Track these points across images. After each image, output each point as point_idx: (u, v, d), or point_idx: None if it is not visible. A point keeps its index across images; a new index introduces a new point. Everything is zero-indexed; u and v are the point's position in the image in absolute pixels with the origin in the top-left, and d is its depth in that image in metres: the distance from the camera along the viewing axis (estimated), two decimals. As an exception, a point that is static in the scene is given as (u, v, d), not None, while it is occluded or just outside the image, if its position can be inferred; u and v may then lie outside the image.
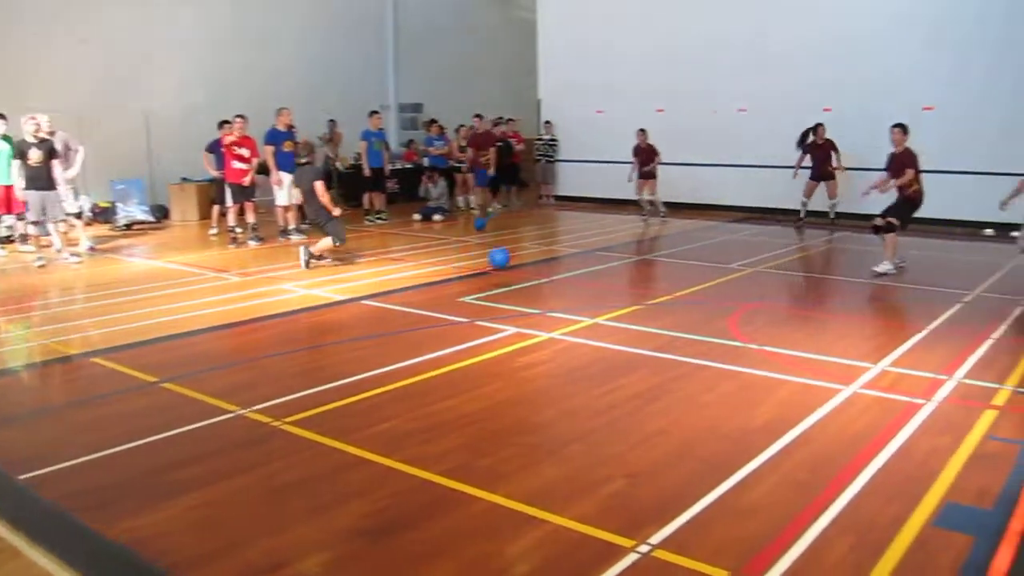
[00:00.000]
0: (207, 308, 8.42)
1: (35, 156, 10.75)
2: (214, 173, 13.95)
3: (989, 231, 14.05)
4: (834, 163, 14.93)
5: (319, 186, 10.72)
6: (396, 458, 4.64)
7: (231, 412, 5.38)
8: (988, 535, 3.79)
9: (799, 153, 15.01)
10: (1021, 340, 7.16)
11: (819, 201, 15.40)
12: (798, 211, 15.44)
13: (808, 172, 15.10)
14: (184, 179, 16.23)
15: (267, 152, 13.18)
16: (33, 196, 10.92)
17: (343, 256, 11.36)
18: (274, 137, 13.23)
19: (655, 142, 16.05)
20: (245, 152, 12.91)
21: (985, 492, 4.24)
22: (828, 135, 14.90)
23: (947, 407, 5.51)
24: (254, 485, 4.38)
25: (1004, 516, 3.98)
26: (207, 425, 5.18)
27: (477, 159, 17.10)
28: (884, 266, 10.26)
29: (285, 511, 4.11)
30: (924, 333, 7.40)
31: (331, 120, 18.35)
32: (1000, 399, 5.68)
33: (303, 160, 11.14)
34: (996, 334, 7.36)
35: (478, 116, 17.41)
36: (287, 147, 13.23)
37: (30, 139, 10.89)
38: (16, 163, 11.01)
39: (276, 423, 5.18)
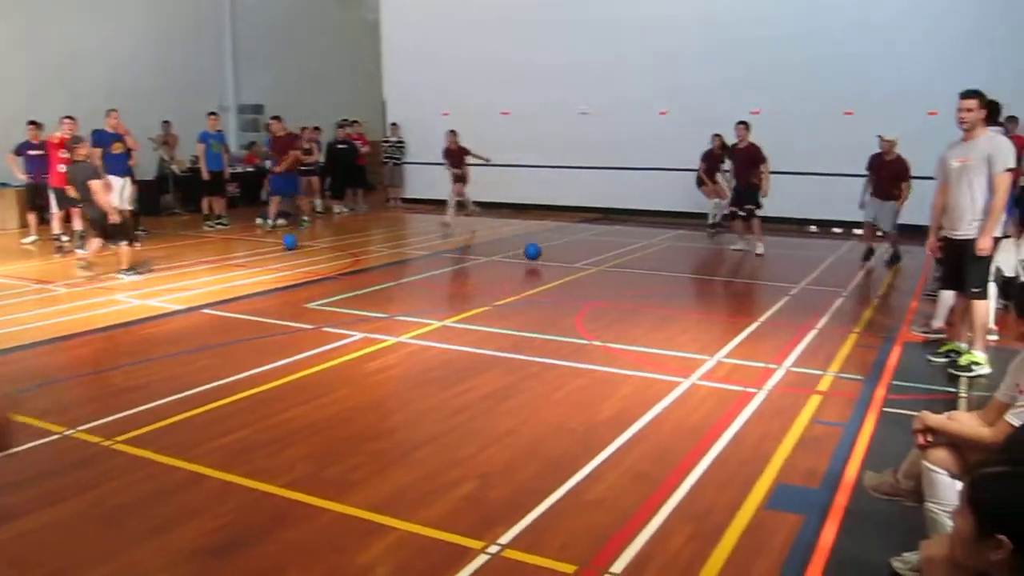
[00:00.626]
0: (30, 322, 7.86)
1: None
2: (22, 177, 13.17)
3: (812, 228, 15.04)
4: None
5: (95, 185, 10.09)
6: (239, 472, 4.48)
7: (56, 433, 5.04)
8: (816, 512, 4.03)
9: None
10: (842, 329, 7.66)
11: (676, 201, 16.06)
12: (646, 211, 16.04)
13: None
14: (2, 184, 15.11)
15: (95, 154, 12.42)
16: None
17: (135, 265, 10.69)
18: (101, 139, 12.50)
19: (499, 143, 16.22)
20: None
21: (812, 472, 4.51)
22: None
23: (777, 394, 5.82)
24: (84, 510, 4.11)
25: (829, 494, 4.24)
26: (29, 449, 4.81)
27: (276, 165, 15.59)
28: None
29: (119, 535, 3.88)
30: (756, 325, 7.81)
31: (165, 122, 17.49)
32: (824, 385, 6.06)
33: (78, 159, 10.36)
34: (820, 324, 7.85)
35: (275, 118, 16.03)
36: (116, 149, 12.53)
37: None
38: None
39: (107, 443, 4.88)
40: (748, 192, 12.30)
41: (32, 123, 12.76)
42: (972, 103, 6.23)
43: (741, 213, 12.42)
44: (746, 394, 5.80)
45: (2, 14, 15.90)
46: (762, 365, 6.49)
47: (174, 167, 17.40)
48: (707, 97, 15.74)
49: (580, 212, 17.28)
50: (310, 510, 4.06)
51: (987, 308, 6.56)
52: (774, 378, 6.18)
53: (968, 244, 6.32)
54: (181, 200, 17.23)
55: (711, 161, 14.33)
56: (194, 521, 3.96)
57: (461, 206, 15.81)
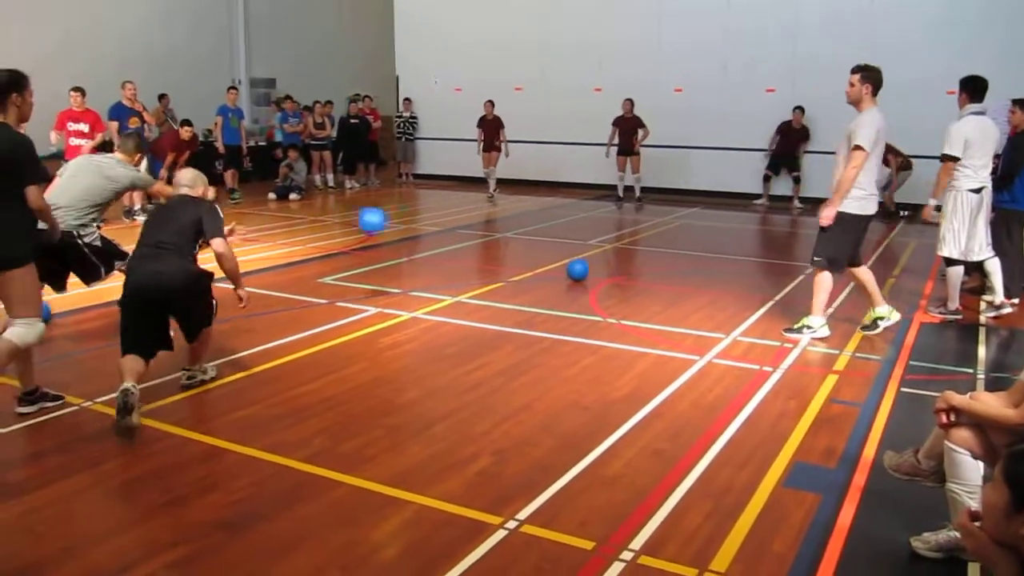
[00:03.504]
0: (47, 293, 7.85)
1: None
2: None
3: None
4: (639, 138, 15.49)
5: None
6: (256, 446, 4.48)
7: (73, 406, 5.05)
8: (834, 492, 4.01)
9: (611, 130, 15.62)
10: (858, 308, 7.59)
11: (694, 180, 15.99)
12: (658, 188, 15.97)
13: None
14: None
15: (111, 128, 12.41)
16: None
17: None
18: (119, 112, 12.48)
19: (511, 120, 16.14)
20: (84, 127, 12.11)
21: (830, 452, 4.49)
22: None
23: (793, 373, 5.79)
24: (99, 482, 4.12)
25: (847, 473, 4.22)
26: (45, 421, 4.83)
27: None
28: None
29: (135, 508, 3.89)
30: (771, 303, 7.76)
31: (162, 95, 17.12)
32: (841, 364, 6.03)
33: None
34: (836, 303, 7.79)
35: (163, 95, 15.60)
36: (132, 123, 12.51)
37: None
38: None
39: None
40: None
41: None
42: (853, 78, 6.44)
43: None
44: (763, 373, 5.77)
45: None
46: (778, 344, 6.46)
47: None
48: (720, 79, 15.68)
49: (594, 189, 17.20)
50: (326, 484, 4.06)
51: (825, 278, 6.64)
52: (791, 357, 6.15)
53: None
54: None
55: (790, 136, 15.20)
56: (211, 494, 3.97)
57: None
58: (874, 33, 14.36)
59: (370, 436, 4.66)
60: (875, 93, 6.40)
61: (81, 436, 4.65)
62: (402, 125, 19.13)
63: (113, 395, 4.54)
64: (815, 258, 6.61)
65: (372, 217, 8.04)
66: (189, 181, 5.67)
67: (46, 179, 5.18)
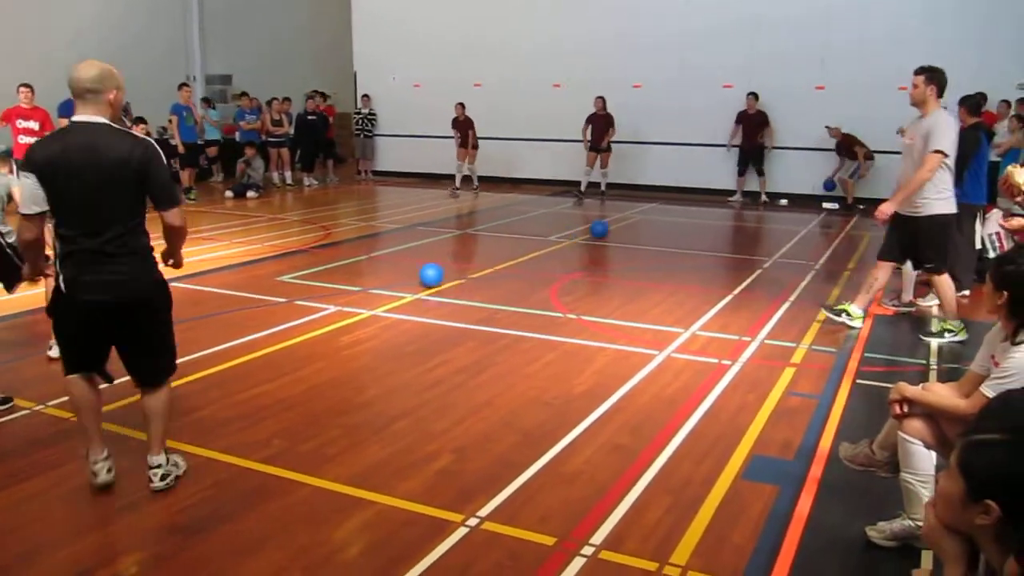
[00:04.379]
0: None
1: None
2: None
3: (783, 201, 15.19)
4: (609, 135, 15.74)
5: None
6: (213, 448, 4.42)
7: (24, 409, 4.94)
8: (791, 483, 4.07)
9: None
10: (814, 302, 7.71)
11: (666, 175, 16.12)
12: (622, 184, 16.06)
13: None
14: None
15: (62, 125, 12.14)
16: None
17: None
18: (68, 109, 12.18)
19: (473, 114, 16.21)
20: (34, 125, 11.85)
21: (788, 444, 4.55)
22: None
23: (751, 367, 5.86)
24: (52, 487, 4.04)
25: (804, 465, 4.28)
26: (-3, 424, 4.73)
27: None
28: None
29: (88, 513, 3.82)
30: (729, 298, 7.84)
31: None
32: (798, 357, 6.11)
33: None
34: (792, 297, 7.90)
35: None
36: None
37: None
38: None
39: (76, 418, 4.79)
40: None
41: None
42: (917, 79, 6.38)
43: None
44: (721, 366, 5.82)
45: None
46: (736, 338, 6.52)
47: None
48: (678, 74, 15.82)
49: (551, 185, 17.23)
50: (287, 485, 4.02)
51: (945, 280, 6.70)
52: (748, 350, 6.21)
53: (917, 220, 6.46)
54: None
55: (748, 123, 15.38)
56: (169, 497, 3.91)
57: (467, 179, 16.29)
58: (834, 29, 14.62)
59: (329, 436, 4.62)
60: (940, 94, 6.39)
61: (34, 440, 4.56)
62: (360, 122, 18.98)
63: (65, 399, 4.44)
64: (926, 265, 6.65)
65: (431, 272, 7.84)
66: (93, 81, 3.64)
67: None
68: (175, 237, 3.94)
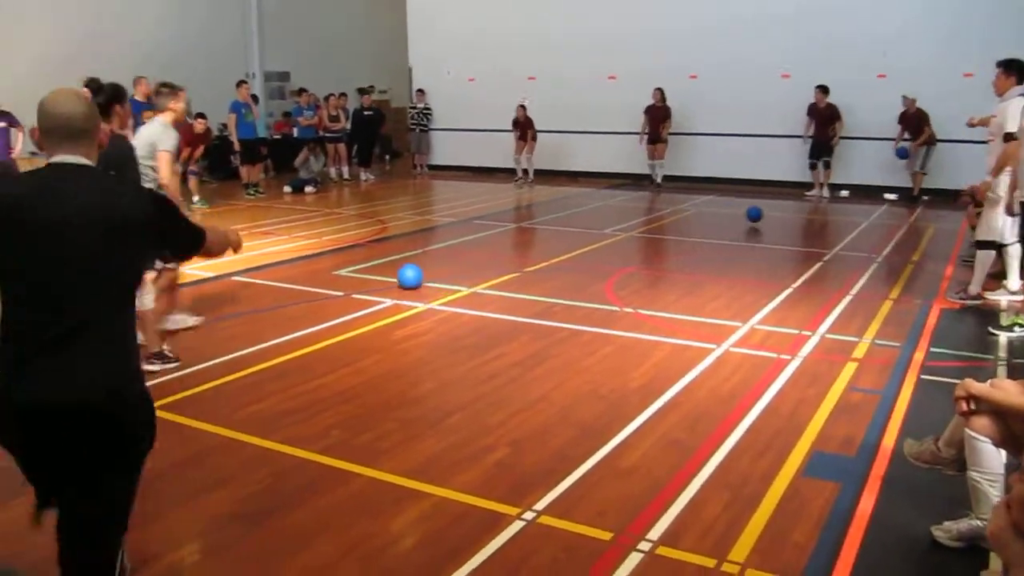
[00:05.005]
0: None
1: None
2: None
3: (844, 192, 14.86)
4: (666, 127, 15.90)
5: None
6: (272, 438, 4.49)
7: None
8: (853, 481, 3.98)
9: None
10: (876, 295, 7.55)
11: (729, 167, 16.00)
12: (677, 176, 15.97)
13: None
14: (33, 154, 15.19)
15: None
16: None
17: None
18: (133, 109, 12.48)
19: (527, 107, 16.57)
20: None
21: (849, 440, 4.45)
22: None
23: (812, 361, 5.75)
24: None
25: (867, 462, 4.18)
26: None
27: None
28: None
29: (152, 502, 3.87)
30: (788, 291, 7.70)
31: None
32: (860, 351, 5.97)
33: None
34: (854, 290, 7.73)
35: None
36: (146, 118, 12.53)
37: None
38: None
39: None
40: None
41: None
42: (1000, 72, 6.89)
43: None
44: (780, 361, 5.72)
45: None
46: (796, 332, 6.41)
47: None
48: (734, 64, 15.58)
49: (606, 178, 17.13)
50: (343, 476, 4.07)
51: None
52: (808, 345, 6.10)
53: None
54: (209, 168, 17.24)
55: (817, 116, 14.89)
56: (228, 487, 3.98)
57: (525, 173, 16.88)
58: (895, 16, 14.26)
59: (386, 428, 4.66)
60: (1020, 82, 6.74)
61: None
62: (416, 116, 19.10)
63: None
64: None
65: (410, 273, 7.74)
66: (87, 119, 2.52)
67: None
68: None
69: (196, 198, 13.64)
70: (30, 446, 2.41)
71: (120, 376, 2.43)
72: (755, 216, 11.64)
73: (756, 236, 11.15)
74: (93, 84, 4.98)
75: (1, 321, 2.37)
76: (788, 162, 15.45)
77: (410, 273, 7.76)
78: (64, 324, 2.32)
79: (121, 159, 5.01)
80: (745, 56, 15.47)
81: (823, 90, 14.57)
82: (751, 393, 5.12)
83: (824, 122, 14.68)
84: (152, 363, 5.44)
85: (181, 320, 6.48)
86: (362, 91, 18.13)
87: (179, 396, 5.11)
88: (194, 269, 8.73)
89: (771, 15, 15.20)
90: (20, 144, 11.43)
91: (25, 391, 2.32)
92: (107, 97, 5.04)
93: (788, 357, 5.81)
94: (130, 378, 2.47)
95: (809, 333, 6.38)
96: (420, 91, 19.17)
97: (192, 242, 2.74)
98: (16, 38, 15.04)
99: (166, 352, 5.65)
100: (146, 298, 5.35)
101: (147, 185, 5.48)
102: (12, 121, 11.13)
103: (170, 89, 6.26)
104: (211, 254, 2.91)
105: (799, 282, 8.11)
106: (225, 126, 15.83)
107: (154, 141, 5.83)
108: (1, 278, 2.35)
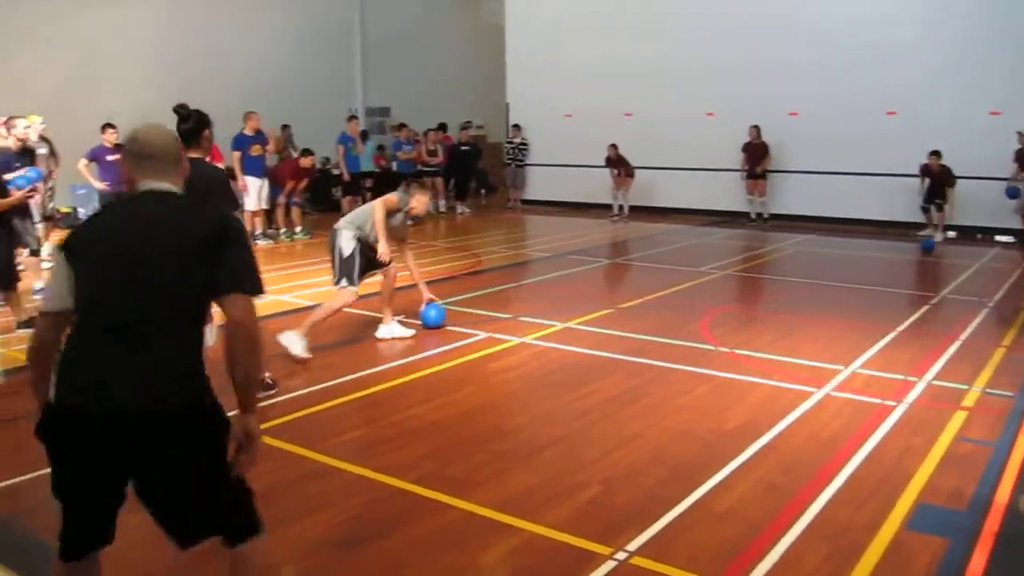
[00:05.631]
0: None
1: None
2: (99, 186, 11.96)
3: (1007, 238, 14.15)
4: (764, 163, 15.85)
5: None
6: (366, 466, 4.56)
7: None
8: (963, 537, 3.79)
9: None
10: (988, 342, 7.22)
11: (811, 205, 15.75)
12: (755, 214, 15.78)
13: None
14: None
15: (233, 157, 12.98)
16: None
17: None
18: (241, 142, 13.03)
19: (621, 145, 16.61)
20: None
21: (959, 493, 4.24)
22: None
23: (918, 409, 5.52)
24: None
25: (978, 517, 3.98)
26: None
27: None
28: None
29: (253, 522, 4.00)
30: (893, 335, 7.44)
31: (284, 126, 17.67)
32: (970, 400, 5.71)
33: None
34: (964, 335, 7.42)
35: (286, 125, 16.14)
36: (254, 151, 13.06)
37: (33, 139, 10.59)
38: None
39: None
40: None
41: (109, 126, 12.14)
42: None
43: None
44: (884, 407, 5.52)
45: (161, 25, 16.84)
46: (901, 377, 6.18)
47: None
48: (835, 101, 15.27)
49: (702, 215, 16.95)
50: (435, 507, 4.09)
51: None
52: (914, 391, 5.87)
53: None
54: (311, 200, 17.76)
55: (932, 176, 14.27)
56: (323, 512, 4.05)
57: (621, 209, 16.95)
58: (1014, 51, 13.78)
59: (478, 460, 4.68)
60: None
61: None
62: (512, 151, 19.33)
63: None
64: None
65: (432, 313, 7.68)
66: (162, 153, 2.70)
67: (236, 207, 5.26)
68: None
69: (298, 228, 14.06)
70: (94, 453, 2.48)
71: (182, 387, 2.54)
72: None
73: (858, 277, 10.81)
74: (183, 111, 5.09)
75: (74, 334, 2.54)
76: (890, 201, 15.01)
77: (433, 313, 7.65)
78: (135, 336, 2.46)
79: (207, 184, 4.88)
80: (849, 91, 15.14)
81: (936, 155, 13.84)
82: (853, 439, 4.95)
83: (940, 181, 14.04)
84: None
85: (299, 344, 6.59)
86: (464, 126, 18.49)
87: (278, 421, 5.24)
88: (292, 297, 9.01)
89: (877, 49, 14.85)
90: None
91: (93, 398, 2.44)
92: (196, 123, 5.12)
93: (892, 403, 5.60)
94: (192, 391, 2.57)
95: (915, 379, 6.14)
96: (516, 126, 19.41)
97: (244, 274, 2.61)
98: (128, 77, 15.90)
99: (267, 379, 5.70)
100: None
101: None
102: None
103: (420, 186, 7.56)
104: (248, 331, 2.61)
105: (904, 325, 7.82)
106: (328, 159, 16.32)
107: None
108: (81, 288, 2.53)
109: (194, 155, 4.82)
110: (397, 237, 7.32)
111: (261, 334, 2.72)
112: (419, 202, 7.30)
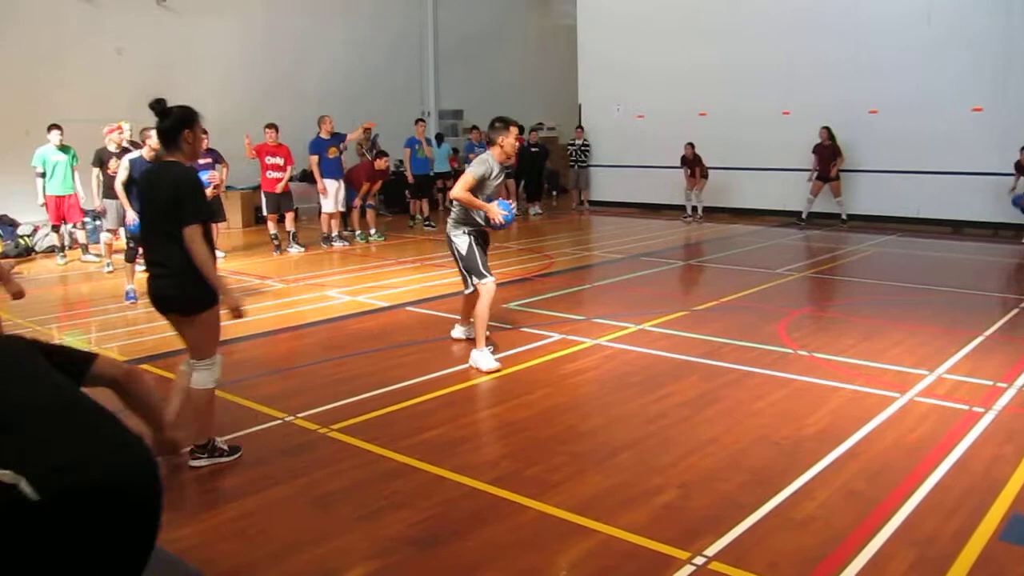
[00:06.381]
0: (251, 315, 8.44)
1: (115, 165, 10.42)
2: None
3: None
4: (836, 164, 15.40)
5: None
6: (444, 466, 4.60)
7: (277, 419, 5.38)
8: (1059, 550, 3.65)
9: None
10: (1083, 346, 6.94)
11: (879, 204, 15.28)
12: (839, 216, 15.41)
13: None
14: (228, 187, 16.37)
15: (311, 161, 13.24)
16: (111, 204, 10.85)
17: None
18: (318, 146, 13.28)
19: (697, 143, 16.39)
20: (279, 161, 12.96)
21: (1053, 504, 4.09)
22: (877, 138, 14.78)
23: (1008, 416, 5.33)
24: (300, 493, 4.36)
25: (1074, 530, 3.83)
26: (252, 433, 5.17)
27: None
28: None
29: (332, 519, 4.08)
30: (981, 339, 7.20)
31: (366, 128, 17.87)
32: (1064, 407, 5.50)
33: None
34: (1056, 340, 7.14)
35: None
36: (331, 154, 13.30)
37: (112, 148, 11.03)
38: (95, 171, 11.20)
39: (323, 430, 5.17)
40: None
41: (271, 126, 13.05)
42: None
43: None
44: (972, 414, 5.35)
45: (242, 10, 17.31)
46: (990, 383, 5.97)
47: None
48: (917, 98, 14.83)
49: (778, 216, 16.65)
50: (512, 507, 4.11)
51: None
52: (1004, 397, 5.67)
53: None
54: (384, 202, 18.01)
55: None
56: (402, 510, 4.10)
57: (695, 210, 16.72)
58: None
59: (554, 462, 4.68)
60: None
61: (285, 448, 4.94)
62: (574, 153, 19.26)
63: (315, 411, 4.78)
64: None
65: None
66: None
67: (208, 219, 4.62)
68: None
69: (373, 230, 14.26)
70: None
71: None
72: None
73: (943, 279, 10.48)
74: (158, 106, 4.45)
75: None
76: (979, 200, 14.51)
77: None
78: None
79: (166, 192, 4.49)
80: (931, 87, 14.70)
81: None
82: (940, 446, 4.81)
83: None
84: (197, 457, 4.68)
85: (486, 358, 6.44)
86: (535, 128, 18.52)
87: (356, 420, 5.33)
88: (369, 298, 9.15)
89: (959, 44, 14.37)
90: (223, 178, 12.21)
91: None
92: (175, 121, 4.47)
93: (981, 410, 5.42)
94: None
95: (1005, 385, 5.93)
96: (579, 127, 19.33)
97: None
98: (209, 81, 16.27)
99: (218, 444, 4.80)
100: (200, 375, 4.74)
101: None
102: (217, 158, 11.97)
103: (502, 124, 6.82)
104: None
105: (992, 329, 7.56)
106: (401, 162, 16.53)
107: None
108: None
109: (171, 159, 4.53)
110: (497, 193, 6.86)
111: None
112: (505, 143, 6.71)
